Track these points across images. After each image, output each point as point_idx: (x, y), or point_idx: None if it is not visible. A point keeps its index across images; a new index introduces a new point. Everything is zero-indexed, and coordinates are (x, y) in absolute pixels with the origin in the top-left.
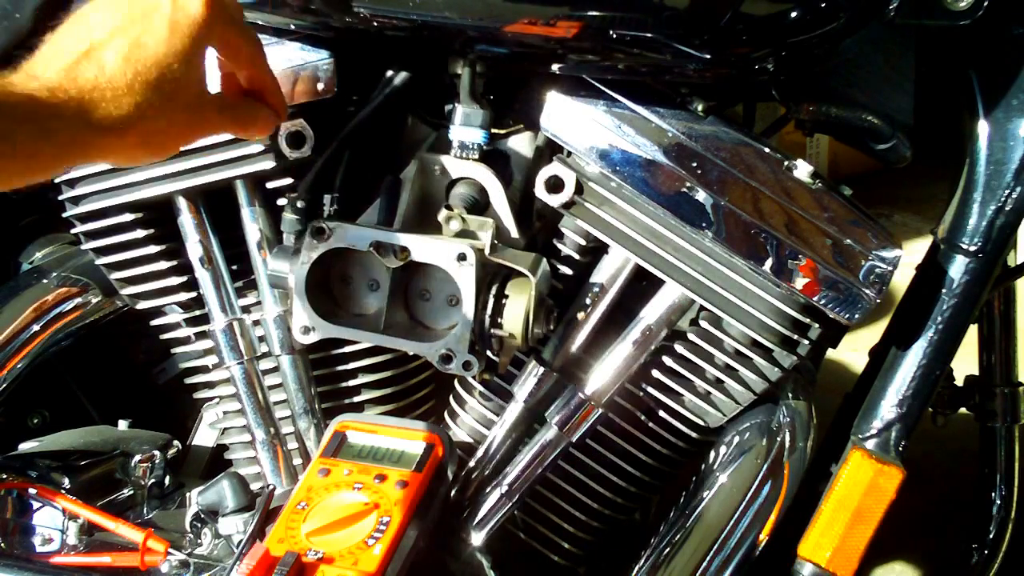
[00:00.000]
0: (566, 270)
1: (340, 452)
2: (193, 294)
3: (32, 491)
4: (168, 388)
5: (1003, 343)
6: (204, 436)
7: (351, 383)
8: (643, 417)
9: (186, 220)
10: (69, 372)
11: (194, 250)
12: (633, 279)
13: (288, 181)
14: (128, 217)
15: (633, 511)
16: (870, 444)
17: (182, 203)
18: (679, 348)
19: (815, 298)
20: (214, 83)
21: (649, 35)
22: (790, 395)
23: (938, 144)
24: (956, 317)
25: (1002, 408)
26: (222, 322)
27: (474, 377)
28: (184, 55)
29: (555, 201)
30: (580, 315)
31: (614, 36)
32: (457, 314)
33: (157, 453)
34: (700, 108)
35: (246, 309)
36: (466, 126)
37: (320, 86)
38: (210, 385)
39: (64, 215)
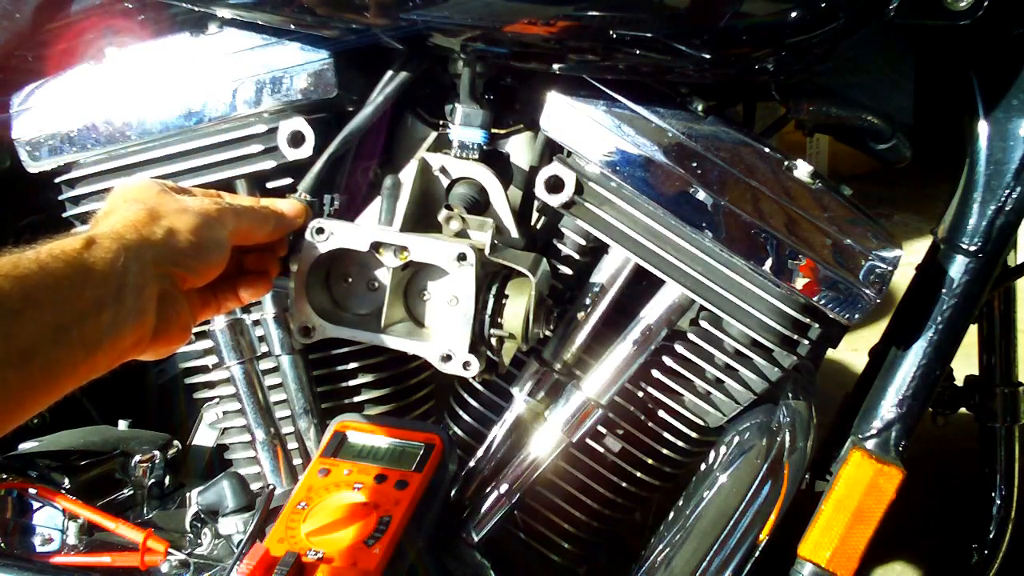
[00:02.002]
0: (566, 270)
1: (340, 452)
2: None
3: (32, 491)
4: (168, 388)
5: (1003, 343)
6: (204, 436)
7: (351, 383)
8: (643, 417)
9: None
10: None
11: None
12: (633, 279)
13: (288, 181)
14: None
15: (633, 511)
16: (870, 444)
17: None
18: (679, 348)
19: (815, 298)
20: None
21: (649, 35)
22: (790, 395)
23: (938, 144)
24: (956, 317)
25: (1002, 408)
26: (222, 322)
27: (474, 377)
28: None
29: (555, 201)
30: (580, 315)
31: (614, 36)
32: (457, 314)
33: (157, 453)
34: (700, 108)
35: (246, 309)
36: (466, 126)
37: (319, 86)
38: (210, 385)
39: (64, 215)
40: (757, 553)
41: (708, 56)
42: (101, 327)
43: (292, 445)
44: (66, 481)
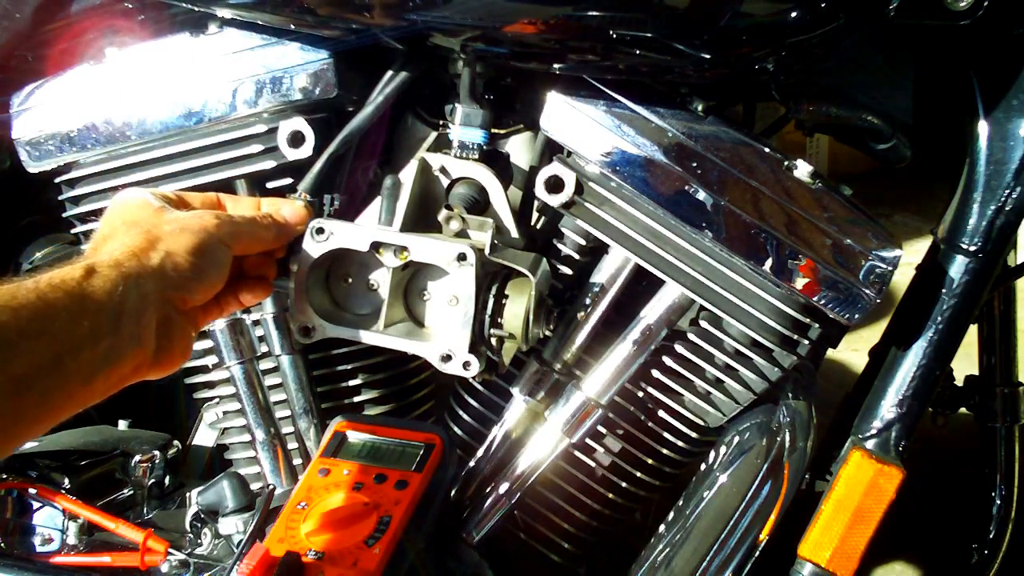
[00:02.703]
0: (566, 270)
1: (340, 452)
2: None
3: (32, 491)
4: (168, 388)
5: (1003, 343)
6: (204, 436)
7: (351, 383)
8: (643, 417)
9: None
10: None
11: None
12: (633, 279)
13: (288, 181)
14: None
15: (633, 511)
16: (870, 444)
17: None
18: (679, 348)
19: (815, 298)
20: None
21: (649, 35)
22: (790, 395)
23: (938, 144)
24: (956, 317)
25: (1002, 408)
26: (222, 322)
27: (474, 377)
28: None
29: (555, 201)
30: (580, 315)
31: (614, 36)
32: (457, 314)
33: (157, 453)
34: (700, 108)
35: (246, 309)
36: (466, 126)
37: (319, 86)
38: (210, 385)
39: (64, 215)
40: (757, 553)
41: (708, 56)
42: (99, 356)
43: (292, 445)
44: (66, 481)
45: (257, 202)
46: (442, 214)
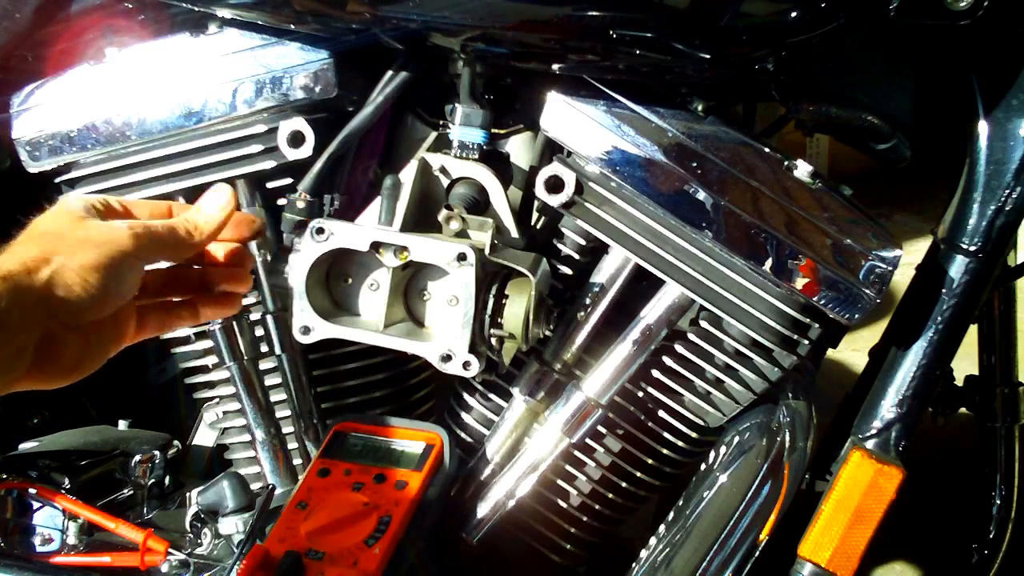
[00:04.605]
0: (566, 270)
1: (340, 452)
2: None
3: (32, 491)
4: (168, 388)
5: (1003, 343)
6: (204, 436)
7: (351, 383)
8: (643, 417)
9: None
10: None
11: None
12: (633, 279)
13: (288, 181)
14: None
15: (633, 511)
16: (870, 444)
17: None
18: (679, 348)
19: (815, 298)
20: None
21: (649, 35)
22: (790, 395)
23: (938, 144)
24: (956, 317)
25: (1002, 408)
26: (222, 321)
27: (474, 377)
28: None
29: (555, 201)
30: (580, 315)
31: (614, 36)
32: (457, 314)
33: (157, 453)
34: (700, 108)
35: (245, 309)
36: (466, 126)
37: (319, 86)
38: (210, 385)
39: None
40: (757, 553)
41: (708, 56)
42: None
43: (292, 445)
44: (66, 481)
45: (185, 209)
46: (442, 214)
